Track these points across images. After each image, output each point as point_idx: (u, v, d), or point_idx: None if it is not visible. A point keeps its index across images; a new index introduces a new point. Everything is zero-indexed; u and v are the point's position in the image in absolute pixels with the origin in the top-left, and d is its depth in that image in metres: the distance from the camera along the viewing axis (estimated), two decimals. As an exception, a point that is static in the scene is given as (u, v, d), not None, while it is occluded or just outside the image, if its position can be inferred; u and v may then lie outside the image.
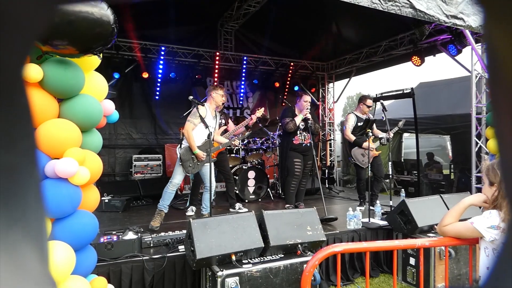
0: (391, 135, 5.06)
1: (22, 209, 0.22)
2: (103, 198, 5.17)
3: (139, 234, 3.08)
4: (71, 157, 1.94)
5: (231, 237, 2.76)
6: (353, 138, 5.00)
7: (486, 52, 0.22)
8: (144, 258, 2.93)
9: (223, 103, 4.54)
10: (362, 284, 3.81)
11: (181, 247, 3.13)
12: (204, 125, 3.88)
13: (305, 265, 2.92)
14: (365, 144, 4.91)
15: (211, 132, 4.02)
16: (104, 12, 1.90)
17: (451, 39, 5.68)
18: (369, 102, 5.21)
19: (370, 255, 4.05)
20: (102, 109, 2.24)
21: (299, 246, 2.98)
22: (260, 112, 4.69)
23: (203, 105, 4.09)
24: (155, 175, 6.52)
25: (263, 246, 2.83)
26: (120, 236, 2.99)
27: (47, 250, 0.24)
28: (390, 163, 4.60)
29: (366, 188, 5.23)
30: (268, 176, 6.09)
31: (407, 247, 2.42)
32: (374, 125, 5.18)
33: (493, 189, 1.68)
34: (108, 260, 2.80)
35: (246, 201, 5.74)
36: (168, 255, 3.02)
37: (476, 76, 5.47)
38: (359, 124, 5.10)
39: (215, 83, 7.33)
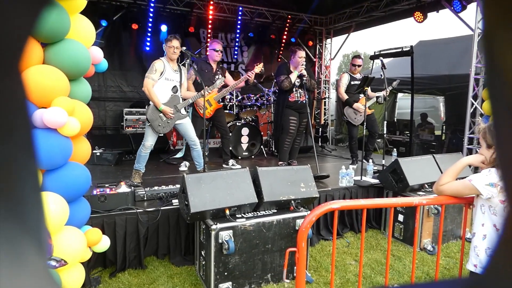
0: (385, 94, 5.01)
1: (19, 201, 0.21)
2: (94, 151, 5.12)
3: (132, 188, 3.07)
4: (60, 106, 1.84)
5: (225, 192, 2.77)
6: (345, 97, 5.09)
7: (484, 54, 0.21)
8: (138, 211, 2.94)
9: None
10: (350, 239, 3.94)
11: (175, 201, 3.14)
12: (165, 79, 3.77)
13: (297, 220, 2.99)
14: (355, 105, 5.00)
15: (176, 86, 3.89)
16: None
17: (456, -6, 5.42)
18: (356, 61, 5.28)
19: (360, 210, 4.17)
20: (90, 56, 2.10)
21: (292, 202, 3.02)
22: (259, 68, 4.52)
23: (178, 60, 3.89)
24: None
25: (257, 201, 2.86)
26: (113, 189, 2.97)
27: (46, 242, 0.23)
28: (385, 122, 4.57)
29: (358, 147, 5.27)
30: (262, 133, 6.05)
31: (404, 204, 2.46)
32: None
33: (491, 151, 1.66)
34: (102, 212, 2.81)
35: (239, 157, 5.75)
36: (162, 208, 3.04)
37: (479, 35, 5.31)
38: (352, 83, 5.12)
39: (208, 39, 7.02)
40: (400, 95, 11.58)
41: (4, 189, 0.21)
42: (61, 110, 1.82)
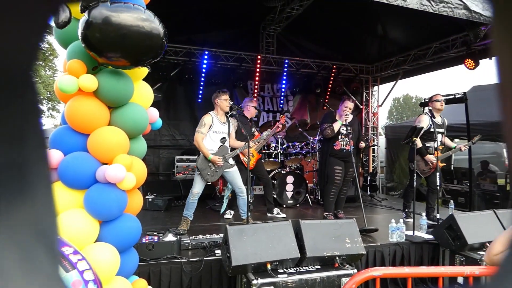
0: (462, 149, 4.75)
1: (32, 207, 0.22)
2: (147, 197, 5.43)
3: (178, 236, 3.18)
4: (120, 163, 2.06)
5: (267, 245, 2.76)
6: (420, 144, 4.53)
7: (495, 65, 0.21)
8: (182, 260, 3.02)
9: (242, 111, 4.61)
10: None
11: (218, 251, 3.18)
12: (213, 132, 4.01)
13: (342, 279, 2.86)
14: (428, 157, 4.58)
15: (224, 137, 4.08)
16: (155, 26, 1.98)
17: (511, 40, 5.23)
18: (436, 97, 4.82)
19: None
20: (148, 117, 2.34)
21: (337, 258, 2.91)
22: (283, 119, 4.77)
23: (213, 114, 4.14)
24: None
25: (299, 256, 2.80)
26: (161, 237, 3.11)
27: (58, 247, 0.24)
28: (437, 173, 4.32)
29: (412, 196, 4.95)
30: (307, 181, 6.01)
31: (454, 275, 2.26)
32: (444, 135, 4.86)
33: None
34: (149, 260, 2.93)
35: (284, 206, 5.72)
36: (205, 258, 3.09)
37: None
38: (431, 130, 4.57)
39: (255, 90, 7.40)
40: (456, 140, 10.94)
41: (17, 194, 0.21)
42: (121, 166, 2.03)
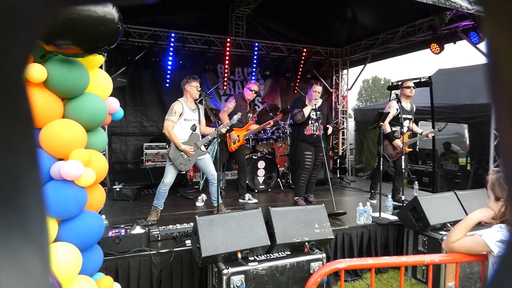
0: (429, 136, 4.90)
1: (24, 213, 0.22)
2: (114, 187, 5.26)
3: (147, 228, 3.10)
4: (77, 158, 1.93)
5: (237, 234, 2.75)
6: (388, 129, 4.66)
7: (486, 51, 0.21)
8: (151, 252, 2.96)
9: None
10: (369, 280, 3.78)
11: (188, 242, 3.15)
12: (184, 120, 3.93)
13: (312, 263, 2.91)
14: (396, 142, 4.66)
15: (194, 124, 4.01)
16: (108, 10, 1.83)
17: (473, 25, 5.40)
18: (407, 83, 4.88)
19: (379, 249, 4.02)
20: (107, 107, 2.21)
21: (306, 244, 2.95)
22: (278, 117, 5.06)
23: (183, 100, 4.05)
24: (166, 163, 6.55)
25: (270, 244, 2.82)
26: (128, 230, 3.02)
27: (49, 254, 0.24)
28: (403, 157, 4.46)
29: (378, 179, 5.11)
30: (278, 166, 6.04)
31: (415, 263, 2.36)
32: (412, 121, 4.95)
33: (499, 204, 1.59)
34: (116, 254, 2.84)
35: (256, 191, 5.74)
36: (175, 249, 3.04)
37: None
38: (399, 116, 4.63)
39: (225, 74, 7.25)
40: (421, 122, 11.36)
41: (9, 202, 0.21)
42: (78, 162, 1.91)
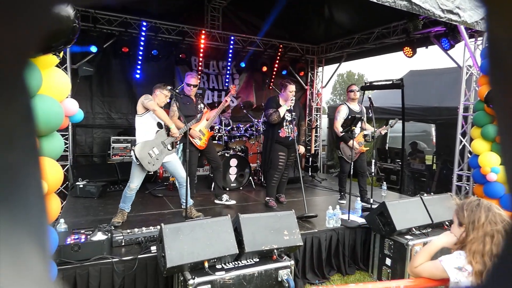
0: (382, 133, 4.95)
1: (24, 209, 0.22)
2: (77, 183, 5.00)
3: (109, 234, 2.94)
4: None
5: (205, 243, 2.66)
6: (340, 132, 4.84)
7: (488, 46, 0.21)
8: (113, 260, 2.81)
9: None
10: (337, 282, 3.83)
11: (154, 248, 3.02)
12: (151, 115, 3.76)
13: (280, 271, 2.88)
14: (350, 142, 4.76)
15: (160, 122, 3.85)
16: (63, 7, 1.65)
17: (445, 31, 5.51)
18: (351, 87, 5.15)
19: (347, 252, 4.07)
20: (62, 110, 2.02)
21: (275, 251, 2.92)
22: (234, 90, 4.57)
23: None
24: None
25: (238, 252, 2.75)
26: (89, 236, 2.85)
27: (49, 249, 0.24)
28: (373, 160, 4.52)
29: (347, 181, 5.18)
30: (251, 164, 5.97)
31: None
32: (364, 120, 5.03)
33: (461, 230, 1.60)
34: (74, 262, 2.67)
35: (227, 189, 5.65)
36: (139, 256, 2.91)
37: (467, 73, 5.36)
38: (350, 116, 4.86)
39: (199, 67, 7.03)
40: (391, 121, 11.65)
41: (8, 195, 0.21)
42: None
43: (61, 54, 1.95)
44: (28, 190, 0.22)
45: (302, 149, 4.86)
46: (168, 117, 3.80)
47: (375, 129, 4.61)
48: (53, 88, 1.99)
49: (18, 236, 0.21)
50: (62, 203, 5.09)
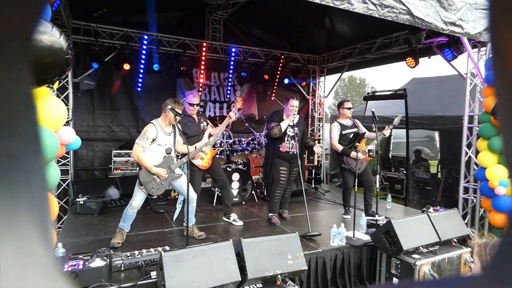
0: (385, 134, 4.81)
1: (27, 196, 0.22)
2: (78, 200, 4.94)
3: (108, 260, 2.87)
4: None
5: (206, 270, 2.59)
6: (340, 147, 4.82)
7: (492, 58, 0.21)
8: (112, 287, 2.73)
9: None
10: (342, 303, 3.73)
11: (154, 273, 2.94)
12: (157, 145, 3.65)
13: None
14: (353, 154, 4.66)
15: (169, 147, 3.74)
16: (55, 39, 1.61)
17: (447, 42, 5.44)
18: (347, 104, 5.08)
19: (353, 271, 3.97)
20: (57, 141, 1.97)
21: (279, 276, 2.83)
22: (239, 103, 4.44)
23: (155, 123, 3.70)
24: (136, 172, 6.22)
25: (240, 279, 2.67)
26: (87, 262, 2.78)
27: (51, 236, 0.24)
28: (378, 176, 4.42)
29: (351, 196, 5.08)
30: (253, 178, 5.89)
31: None
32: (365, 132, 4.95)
33: None
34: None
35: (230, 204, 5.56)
36: (139, 283, 2.83)
37: (471, 84, 5.28)
38: (343, 132, 4.89)
39: (200, 79, 6.98)
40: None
41: (11, 183, 0.21)
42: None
43: (55, 86, 1.89)
44: (31, 178, 0.22)
45: (319, 149, 4.78)
46: (148, 164, 3.58)
47: (378, 133, 4.48)
48: (48, 118, 1.94)
49: (21, 224, 0.21)
50: (63, 217, 5.05)
